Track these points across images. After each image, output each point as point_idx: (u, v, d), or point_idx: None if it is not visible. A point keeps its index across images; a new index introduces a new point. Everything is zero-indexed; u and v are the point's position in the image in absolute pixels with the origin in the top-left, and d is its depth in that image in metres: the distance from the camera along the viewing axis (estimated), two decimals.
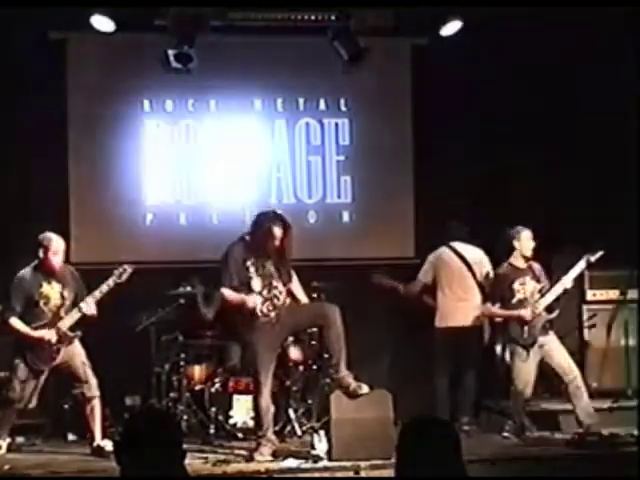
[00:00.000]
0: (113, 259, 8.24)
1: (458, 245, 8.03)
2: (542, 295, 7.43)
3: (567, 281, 7.42)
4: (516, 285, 7.45)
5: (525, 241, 7.46)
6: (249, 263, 6.66)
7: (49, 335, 6.80)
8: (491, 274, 7.85)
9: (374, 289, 8.12)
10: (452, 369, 7.91)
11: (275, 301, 6.69)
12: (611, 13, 7.61)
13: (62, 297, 6.91)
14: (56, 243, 6.91)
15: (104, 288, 6.91)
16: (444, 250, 8.04)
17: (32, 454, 7.04)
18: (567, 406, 7.47)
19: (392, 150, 8.99)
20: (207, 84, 8.57)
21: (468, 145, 8.66)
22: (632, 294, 8.27)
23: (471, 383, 7.88)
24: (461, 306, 7.90)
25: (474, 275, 7.93)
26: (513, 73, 8.55)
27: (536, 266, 7.54)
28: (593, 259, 7.43)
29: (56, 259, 6.89)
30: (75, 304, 6.91)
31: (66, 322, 6.86)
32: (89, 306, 6.87)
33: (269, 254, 6.69)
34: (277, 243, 6.66)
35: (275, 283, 6.71)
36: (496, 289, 7.57)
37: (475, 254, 8.00)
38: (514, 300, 7.45)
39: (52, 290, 6.90)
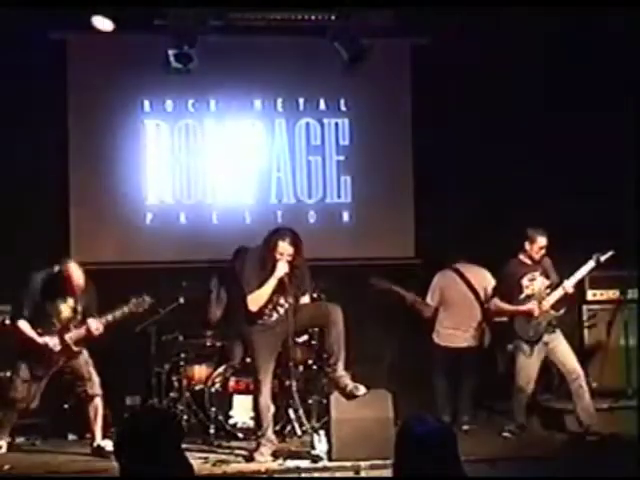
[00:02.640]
0: (113, 259, 8.30)
1: (462, 266, 8.03)
2: (551, 291, 7.43)
3: (573, 281, 7.41)
4: (525, 281, 7.44)
5: (537, 247, 7.42)
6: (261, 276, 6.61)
7: (53, 343, 6.81)
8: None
9: (373, 289, 8.13)
10: (452, 369, 7.92)
11: (275, 314, 6.68)
12: (611, 13, 7.61)
13: (74, 311, 6.92)
14: (77, 277, 6.82)
15: (117, 314, 6.90)
16: (449, 274, 8.05)
17: (32, 454, 7.05)
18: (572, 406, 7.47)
19: (392, 150, 8.99)
20: (207, 84, 8.58)
21: (468, 145, 8.65)
22: (632, 294, 8.27)
23: (471, 383, 7.89)
24: (462, 331, 7.93)
25: (478, 297, 7.93)
26: (513, 73, 8.55)
27: (546, 261, 7.51)
28: (603, 259, 7.41)
29: (74, 286, 6.84)
30: (84, 317, 6.89)
31: (72, 335, 6.87)
32: (97, 327, 6.85)
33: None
34: (285, 259, 6.56)
35: (281, 301, 6.67)
36: (504, 285, 7.56)
37: (480, 276, 7.99)
38: (522, 296, 7.44)
39: (65, 304, 6.91)
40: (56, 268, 6.85)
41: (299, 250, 6.61)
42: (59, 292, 6.87)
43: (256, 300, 6.58)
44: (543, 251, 7.45)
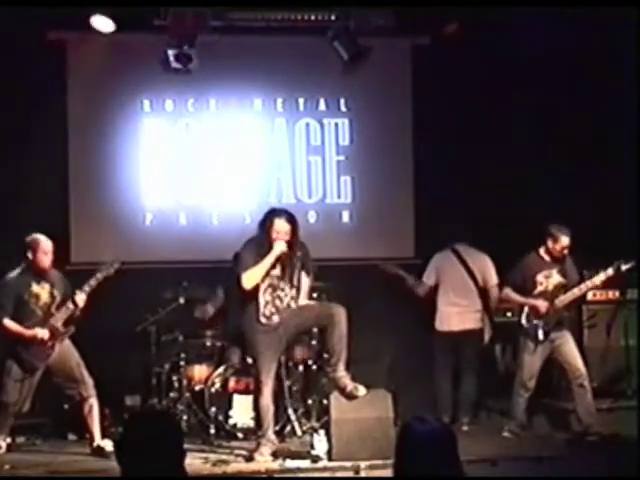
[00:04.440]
0: (113, 259, 8.26)
1: (462, 248, 8.04)
2: (566, 291, 7.40)
3: (590, 285, 7.38)
4: (540, 277, 7.40)
5: (559, 247, 7.35)
6: (259, 255, 6.58)
7: (42, 333, 6.79)
8: (494, 281, 7.86)
9: (382, 273, 8.14)
10: (453, 360, 7.92)
11: (277, 302, 6.65)
12: (611, 13, 7.61)
13: (52, 296, 6.91)
14: (45, 243, 6.89)
15: (93, 282, 6.90)
16: (448, 254, 8.06)
17: (32, 454, 7.04)
18: None
19: (392, 150, 8.99)
20: (207, 84, 8.58)
21: (469, 144, 8.66)
22: (632, 294, 8.27)
23: (471, 383, 7.88)
24: (461, 311, 7.92)
25: (475, 281, 7.93)
26: (513, 72, 8.55)
27: (568, 260, 7.43)
28: (624, 268, 7.36)
29: (46, 259, 6.88)
30: (64, 303, 6.90)
31: (58, 318, 6.87)
32: (81, 297, 6.85)
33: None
34: (283, 238, 6.57)
35: (282, 285, 6.67)
36: (518, 276, 7.50)
37: (479, 259, 8.00)
38: (535, 292, 7.40)
39: (42, 289, 6.89)
40: (29, 253, 6.84)
41: (295, 228, 6.62)
42: (34, 277, 6.86)
43: (251, 277, 6.54)
44: (565, 251, 7.39)
